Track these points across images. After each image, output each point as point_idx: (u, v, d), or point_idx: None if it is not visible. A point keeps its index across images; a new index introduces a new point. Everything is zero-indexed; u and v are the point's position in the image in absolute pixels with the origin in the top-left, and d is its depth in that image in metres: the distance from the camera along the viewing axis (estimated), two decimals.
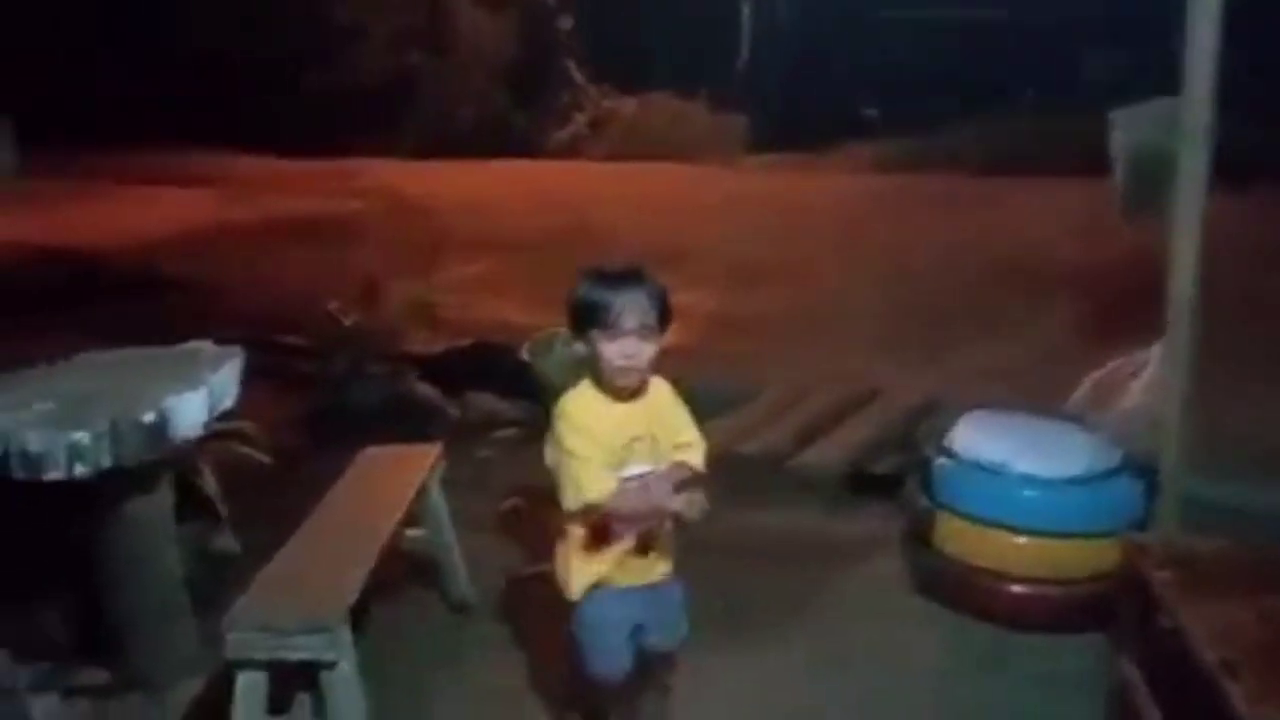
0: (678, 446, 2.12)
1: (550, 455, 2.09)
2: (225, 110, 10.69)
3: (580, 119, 11.80)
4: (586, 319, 2.01)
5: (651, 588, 2.12)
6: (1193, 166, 2.56)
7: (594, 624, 2.10)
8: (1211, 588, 2.02)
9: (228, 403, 2.57)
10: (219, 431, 3.39)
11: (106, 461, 2.20)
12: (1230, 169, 2.70)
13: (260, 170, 10.55)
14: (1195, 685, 1.82)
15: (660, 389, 2.13)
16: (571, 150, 11.28)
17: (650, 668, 2.22)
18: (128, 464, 2.24)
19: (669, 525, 2.10)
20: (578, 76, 12.16)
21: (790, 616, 2.93)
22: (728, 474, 3.75)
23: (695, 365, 4.76)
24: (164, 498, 2.50)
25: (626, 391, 2.04)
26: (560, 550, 2.13)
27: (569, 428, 2.02)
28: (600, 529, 2.05)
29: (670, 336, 5.60)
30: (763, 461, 3.83)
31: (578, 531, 2.08)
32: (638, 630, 2.14)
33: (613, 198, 8.63)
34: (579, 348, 2.05)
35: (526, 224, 7.63)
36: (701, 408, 4.13)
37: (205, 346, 2.70)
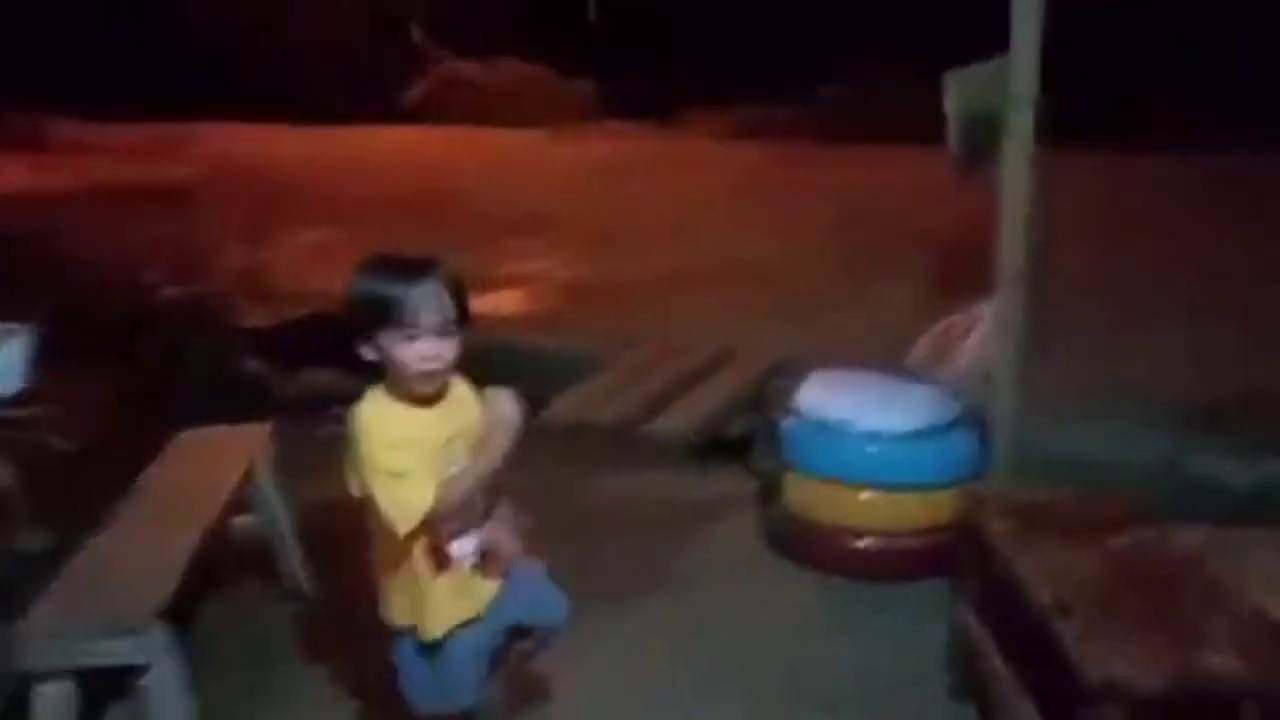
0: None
1: (358, 484, 1.80)
2: (43, 70, 9.78)
3: (426, 83, 11.39)
4: (374, 318, 1.74)
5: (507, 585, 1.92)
6: (1019, 127, 2.63)
7: (453, 664, 1.90)
8: (1045, 533, 2.09)
9: (12, 387, 2.30)
10: (12, 419, 3.07)
11: None
12: (1066, 127, 2.78)
13: (82, 134, 9.73)
14: (1028, 626, 1.88)
15: (460, 385, 1.89)
16: (417, 115, 10.88)
17: (513, 660, 2.06)
18: None
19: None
20: (423, 39, 11.73)
21: (645, 581, 2.91)
22: (581, 443, 3.72)
23: (550, 332, 4.71)
24: None
25: (431, 395, 1.81)
26: (400, 582, 1.87)
27: (378, 445, 1.75)
28: (436, 555, 1.83)
29: (523, 303, 5.52)
30: (615, 429, 3.79)
31: (415, 562, 1.83)
32: (497, 635, 1.95)
33: (461, 163, 8.37)
34: (366, 351, 1.77)
35: (371, 190, 7.30)
36: (556, 375, 4.15)
37: None
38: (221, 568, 2.80)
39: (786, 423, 3.00)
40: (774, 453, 3.04)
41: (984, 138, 2.71)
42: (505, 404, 1.85)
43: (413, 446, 1.76)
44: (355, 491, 1.81)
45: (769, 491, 3.07)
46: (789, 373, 3.77)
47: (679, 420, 3.78)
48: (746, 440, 3.62)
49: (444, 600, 1.85)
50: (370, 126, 10.07)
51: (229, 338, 4.29)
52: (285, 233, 5.91)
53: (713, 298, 4.93)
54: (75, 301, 4.59)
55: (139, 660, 1.86)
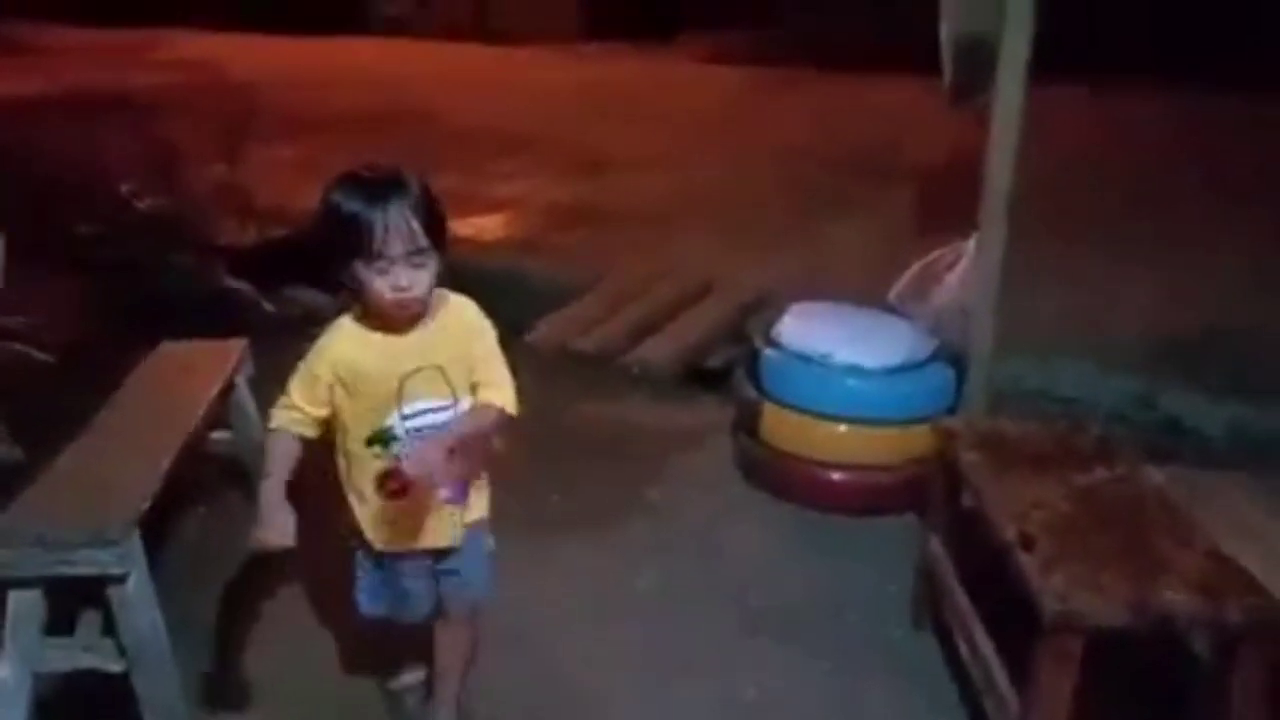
0: (479, 384, 1.82)
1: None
2: None
3: None
4: (345, 247, 1.67)
5: (442, 551, 1.91)
6: (1013, 56, 2.59)
7: (392, 579, 1.93)
8: (1013, 466, 2.12)
9: None
10: None
11: None
12: (1059, 60, 2.74)
13: (53, 38, 9.44)
14: (993, 558, 1.92)
15: (460, 311, 1.84)
16: (399, 28, 10.59)
17: (447, 626, 2.04)
18: None
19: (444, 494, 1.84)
20: None
21: (621, 506, 2.94)
22: (562, 369, 3.73)
23: (532, 256, 4.67)
24: None
25: (407, 323, 1.77)
26: (349, 494, 1.89)
27: (316, 350, 1.80)
28: (396, 479, 1.79)
29: (506, 227, 5.46)
30: (597, 357, 3.79)
31: (368, 476, 1.83)
32: (446, 573, 1.96)
33: (445, 80, 8.18)
34: (343, 279, 1.72)
35: (350, 104, 7.14)
36: (539, 302, 4.13)
37: None
38: (200, 482, 2.81)
39: (766, 354, 3.01)
40: (753, 384, 3.05)
41: (978, 65, 2.67)
42: (484, 415, 1.79)
43: (365, 377, 1.76)
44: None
45: (746, 422, 3.08)
46: (770, 304, 3.77)
47: (661, 349, 3.79)
48: (727, 370, 3.63)
49: (396, 521, 1.86)
50: (349, 38, 9.81)
51: (207, 254, 4.23)
52: (261, 146, 5.78)
53: (696, 225, 4.90)
54: (50, 211, 4.51)
55: (117, 570, 1.87)
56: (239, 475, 2.85)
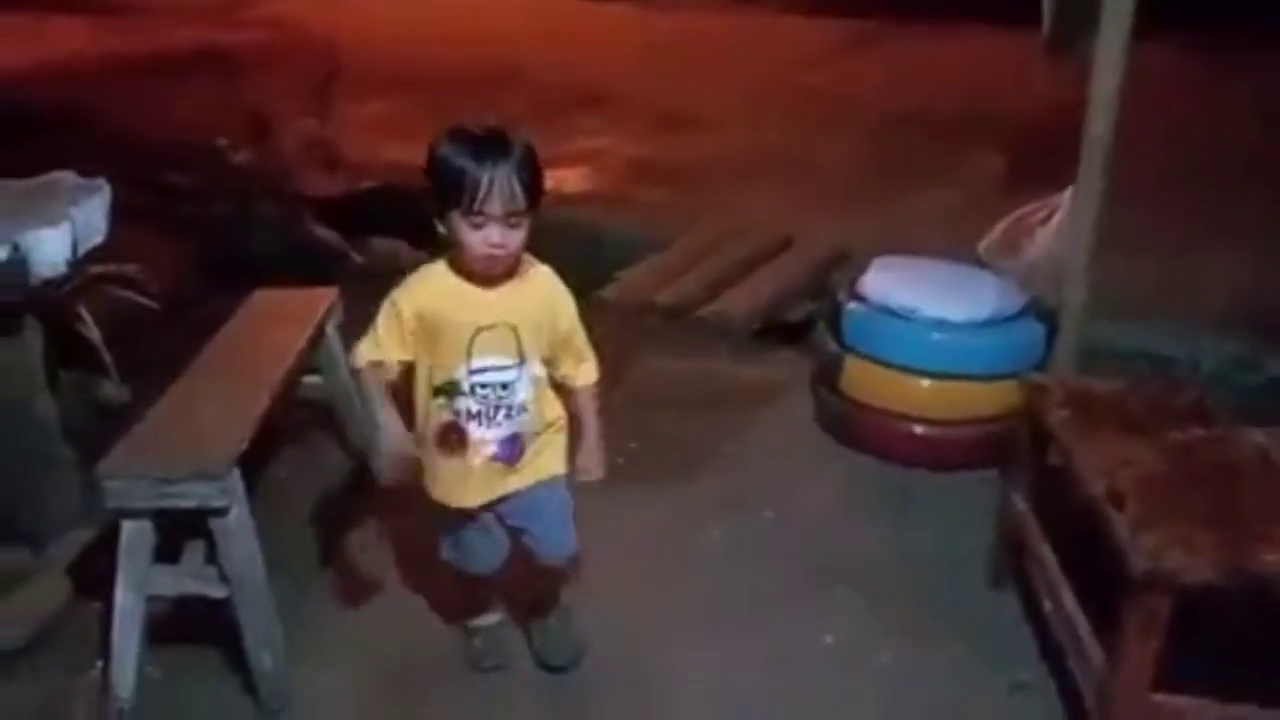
0: (566, 356, 1.92)
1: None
2: None
3: None
4: (445, 195, 1.73)
5: (519, 496, 1.96)
6: (1118, 6, 2.48)
7: (451, 527, 2.01)
8: (1104, 425, 2.06)
9: (96, 240, 2.37)
10: (100, 275, 3.18)
11: None
12: (1162, 12, 2.62)
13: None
14: (1081, 517, 1.88)
15: (541, 278, 1.89)
16: None
17: (531, 577, 2.13)
18: None
19: (533, 433, 1.92)
20: None
21: (698, 459, 2.96)
22: (640, 323, 3.74)
23: (611, 212, 4.68)
24: (31, 343, 2.32)
25: (493, 278, 1.82)
26: (419, 440, 1.93)
27: (403, 286, 1.85)
28: (455, 432, 1.88)
29: (587, 181, 5.49)
30: (675, 310, 3.79)
31: (428, 424, 1.90)
32: (519, 531, 2.02)
33: (527, 34, 8.17)
34: (438, 226, 1.78)
35: (434, 60, 7.20)
36: (618, 255, 4.14)
37: (65, 178, 2.46)
38: (291, 424, 2.92)
39: (849, 308, 2.98)
40: (835, 337, 3.03)
41: (1079, 13, 2.56)
42: (583, 377, 1.97)
43: (441, 320, 1.80)
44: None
45: (827, 375, 3.06)
46: (851, 260, 3.72)
47: (739, 303, 3.77)
48: (806, 325, 3.61)
49: (448, 476, 1.92)
50: None
51: (299, 205, 4.34)
52: (348, 102, 5.88)
53: (776, 182, 4.83)
54: (147, 166, 4.67)
55: (218, 503, 1.95)
56: (327, 419, 2.95)
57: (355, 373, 1.91)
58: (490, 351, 1.84)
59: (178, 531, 2.10)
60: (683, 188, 4.86)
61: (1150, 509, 1.78)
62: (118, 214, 2.53)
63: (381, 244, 4.27)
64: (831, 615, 2.34)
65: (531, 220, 1.78)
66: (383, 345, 1.85)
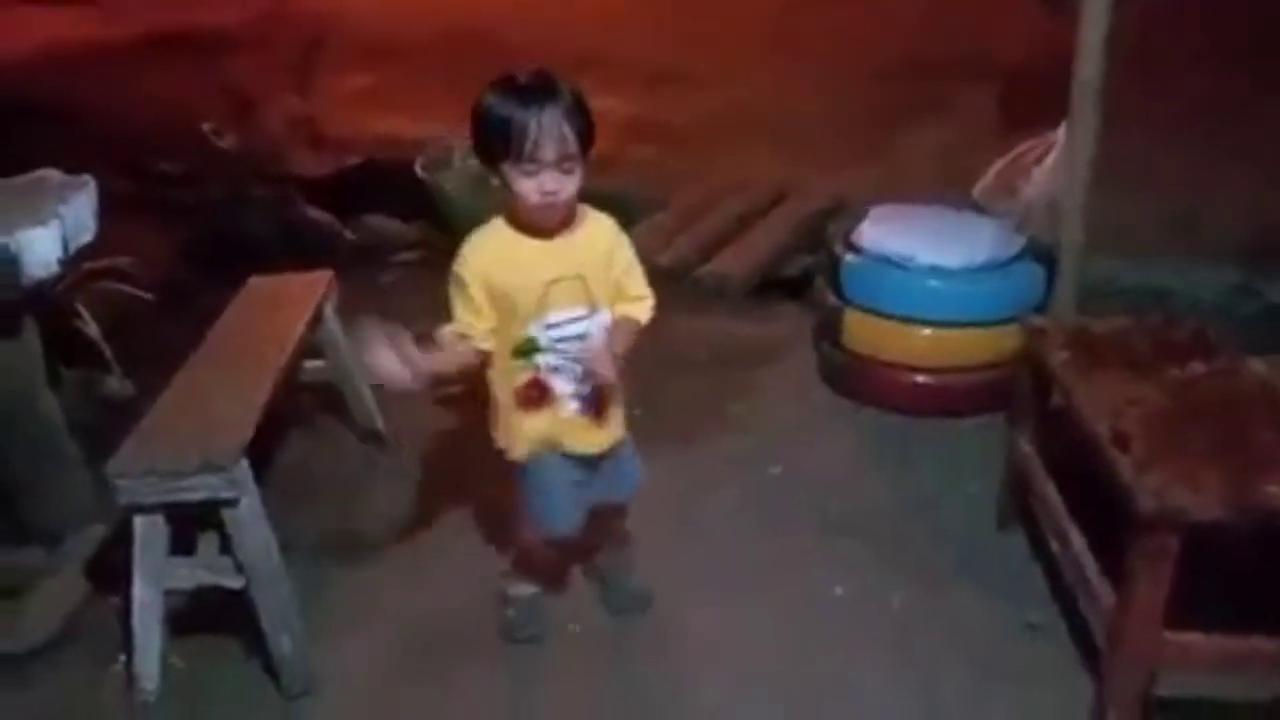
0: (623, 296, 1.88)
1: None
2: None
3: None
4: (495, 146, 1.71)
5: (600, 456, 1.99)
6: None
7: (540, 486, 1.99)
8: (1106, 364, 2.06)
9: (86, 237, 2.35)
10: (92, 270, 3.17)
11: None
12: None
13: None
14: (1086, 458, 1.89)
15: (599, 226, 1.87)
16: None
17: (603, 519, 2.16)
18: None
19: (615, 384, 1.90)
20: None
21: (703, 419, 2.97)
22: None
23: (602, 173, 4.62)
24: (29, 343, 2.32)
25: (551, 228, 1.81)
26: (496, 407, 1.95)
27: (461, 257, 1.83)
28: (537, 388, 1.89)
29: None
30: (672, 271, 3.78)
31: (509, 383, 1.89)
32: (583, 486, 2.03)
33: (510, 1, 8.05)
34: (476, 160, 1.79)
35: (417, 29, 7.09)
36: (613, 217, 4.10)
37: (51, 175, 2.44)
38: (296, 409, 2.93)
39: (846, 259, 2.96)
40: (834, 290, 3.02)
41: None
42: (629, 327, 1.88)
43: (511, 275, 1.78)
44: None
45: (828, 329, 3.06)
46: (846, 211, 3.70)
47: (736, 261, 3.76)
48: (804, 279, 3.59)
49: (532, 428, 1.92)
50: None
51: (288, 186, 4.31)
52: (331, 76, 5.82)
53: (767, 137, 4.78)
54: (132, 154, 4.64)
55: (227, 495, 1.97)
56: (332, 402, 2.96)
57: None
58: (564, 305, 1.83)
59: (192, 522, 2.12)
60: (675, 146, 4.82)
61: (1154, 447, 1.78)
62: (107, 205, 2.52)
63: (373, 221, 4.25)
64: (842, 566, 2.37)
65: (584, 167, 1.75)
66: (467, 323, 1.82)
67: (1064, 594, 2.17)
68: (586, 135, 1.73)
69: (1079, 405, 1.98)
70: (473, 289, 1.82)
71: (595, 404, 1.93)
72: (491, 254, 1.82)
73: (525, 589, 2.23)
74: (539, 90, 1.70)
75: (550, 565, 2.26)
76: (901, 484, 2.65)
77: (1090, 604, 1.96)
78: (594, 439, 1.97)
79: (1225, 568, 1.84)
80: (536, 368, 1.87)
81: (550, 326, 1.84)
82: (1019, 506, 2.38)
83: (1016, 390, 2.37)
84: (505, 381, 1.91)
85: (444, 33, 6.90)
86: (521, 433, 1.93)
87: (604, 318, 1.88)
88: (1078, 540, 2.04)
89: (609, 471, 2.04)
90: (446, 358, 1.84)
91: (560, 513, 2.04)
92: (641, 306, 1.92)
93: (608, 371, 1.82)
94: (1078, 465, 2.00)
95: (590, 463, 2.00)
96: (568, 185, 1.74)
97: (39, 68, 6.80)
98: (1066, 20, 2.57)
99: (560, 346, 1.85)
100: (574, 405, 1.91)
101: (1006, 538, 2.42)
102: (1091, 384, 2.02)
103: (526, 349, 1.85)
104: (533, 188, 1.72)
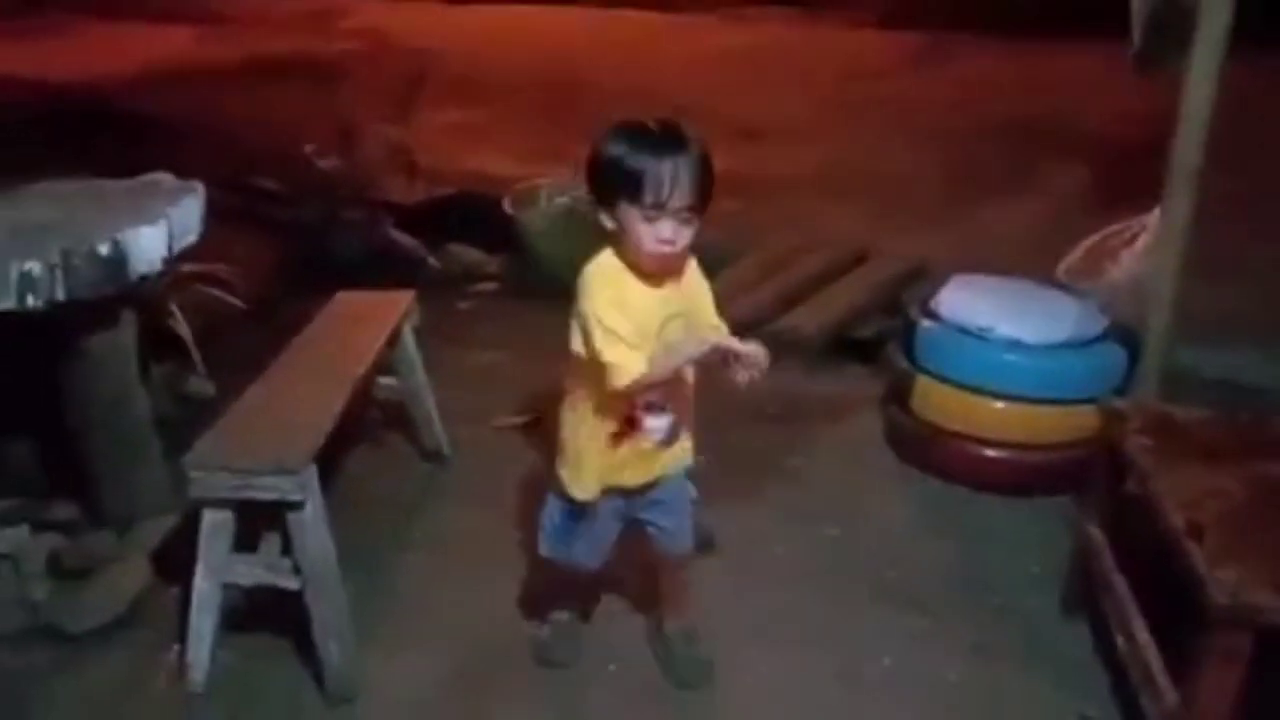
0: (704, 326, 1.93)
1: (581, 341, 1.83)
2: None
3: None
4: (617, 188, 1.72)
5: (660, 486, 1.99)
6: (1214, 19, 2.41)
7: (592, 528, 2.01)
8: (1186, 454, 2.00)
9: (190, 239, 2.47)
10: (192, 273, 3.31)
11: (60, 294, 2.11)
12: (1255, 30, 2.54)
13: (244, 6, 10.08)
14: (1158, 548, 1.83)
15: (694, 267, 1.92)
16: None
17: (660, 576, 2.17)
18: (82, 297, 2.16)
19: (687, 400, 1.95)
20: None
21: (764, 472, 2.95)
22: None
23: None
24: (126, 335, 2.43)
25: (663, 274, 1.82)
26: (565, 446, 1.97)
27: (601, 301, 1.77)
28: (630, 423, 1.90)
29: None
30: (746, 324, 3.77)
31: (603, 423, 1.90)
32: (636, 522, 2.05)
33: (604, 45, 8.26)
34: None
35: (514, 70, 7.32)
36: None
37: (164, 179, 2.58)
38: (367, 423, 3.00)
39: (923, 325, 2.94)
40: (907, 355, 2.99)
41: (1171, 30, 2.50)
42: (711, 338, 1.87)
43: (632, 313, 1.78)
44: (576, 346, 1.85)
45: (897, 394, 3.03)
46: (925, 277, 3.67)
47: (811, 318, 3.75)
48: (877, 341, 3.57)
49: (606, 464, 1.94)
50: (517, 6, 10.04)
51: (380, 211, 4.45)
52: (431, 110, 6.02)
53: (851, 197, 4.80)
54: (238, 170, 4.85)
55: (295, 497, 2.02)
56: (401, 419, 3.02)
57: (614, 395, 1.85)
58: (670, 341, 1.84)
59: (256, 522, 2.18)
60: (756, 200, 4.84)
61: (1231, 542, 1.72)
62: (211, 215, 2.64)
63: (457, 250, 4.36)
64: (895, 635, 2.31)
65: (700, 221, 1.77)
66: (633, 361, 1.77)
67: (1125, 689, 2.08)
68: (708, 189, 1.75)
69: (1155, 493, 1.92)
70: (614, 321, 1.78)
71: (674, 436, 1.97)
72: (616, 287, 1.81)
73: (563, 612, 2.23)
74: (671, 139, 1.73)
75: (579, 589, 2.24)
76: (962, 558, 2.59)
77: (1152, 702, 1.88)
78: (652, 467, 1.98)
79: None
80: (634, 404, 1.88)
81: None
82: (1084, 592, 2.31)
83: (1090, 473, 2.31)
84: (590, 419, 1.91)
85: (539, 76, 7.10)
86: (594, 473, 1.95)
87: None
88: (1143, 634, 1.97)
89: (664, 505, 2.03)
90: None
91: (599, 553, 2.06)
92: (720, 335, 1.92)
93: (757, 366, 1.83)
94: (1149, 555, 1.93)
95: (644, 499, 2.02)
96: (684, 235, 1.75)
97: (162, 83, 7.19)
98: (1160, 83, 2.54)
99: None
100: (659, 437, 1.94)
101: (1069, 624, 2.34)
102: (1170, 472, 1.96)
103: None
104: (650, 234, 1.74)
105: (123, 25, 9.21)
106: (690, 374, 1.94)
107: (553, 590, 2.25)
